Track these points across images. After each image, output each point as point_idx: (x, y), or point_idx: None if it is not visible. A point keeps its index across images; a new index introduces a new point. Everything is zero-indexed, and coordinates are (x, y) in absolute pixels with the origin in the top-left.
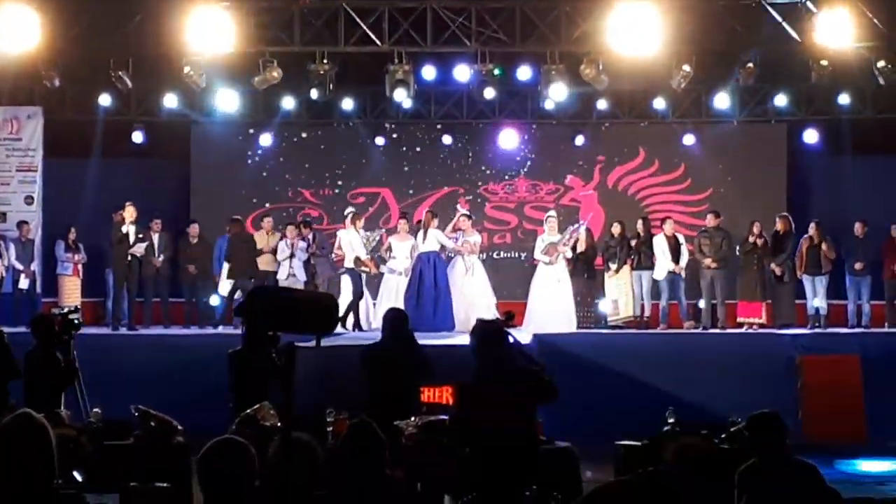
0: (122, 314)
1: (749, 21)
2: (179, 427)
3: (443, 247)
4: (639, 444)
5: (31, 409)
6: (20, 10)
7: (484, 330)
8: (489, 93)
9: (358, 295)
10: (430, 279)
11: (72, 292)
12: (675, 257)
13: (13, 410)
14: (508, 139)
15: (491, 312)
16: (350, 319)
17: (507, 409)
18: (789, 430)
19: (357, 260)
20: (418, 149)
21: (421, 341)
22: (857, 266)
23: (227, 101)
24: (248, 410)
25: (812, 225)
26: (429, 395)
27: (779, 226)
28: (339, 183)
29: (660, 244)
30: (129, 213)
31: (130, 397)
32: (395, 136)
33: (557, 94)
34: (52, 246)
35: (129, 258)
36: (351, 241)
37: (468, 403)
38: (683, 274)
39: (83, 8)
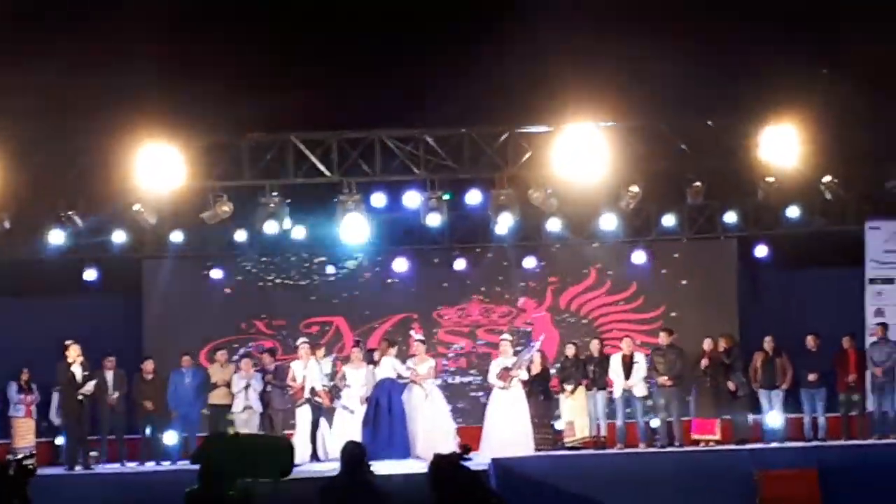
0: (77, 454)
1: (694, 140)
2: None
3: (399, 374)
4: None
5: None
6: None
7: (440, 466)
8: (433, 219)
9: (314, 424)
10: (385, 406)
11: (25, 433)
12: (628, 375)
13: None
14: (460, 264)
15: (451, 438)
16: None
17: None
18: None
19: (312, 390)
20: (369, 275)
21: (377, 470)
22: (811, 378)
23: (177, 237)
24: None
25: (768, 339)
26: None
27: (723, 344)
28: (292, 313)
29: (615, 363)
30: (74, 352)
31: None
32: (346, 263)
33: (506, 221)
34: (4, 387)
35: (81, 398)
36: (308, 371)
37: None
38: (638, 392)
39: (32, 148)
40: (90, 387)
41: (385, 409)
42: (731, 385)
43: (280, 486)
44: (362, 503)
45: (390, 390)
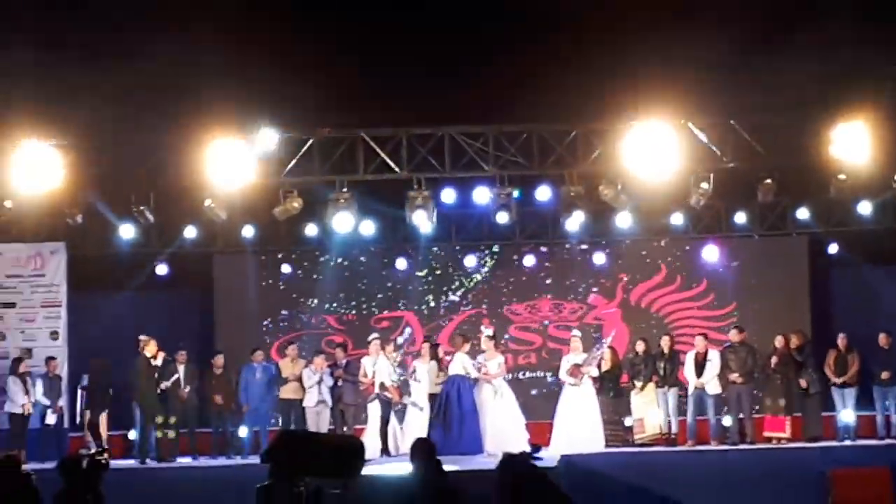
0: (150, 447)
1: (765, 137)
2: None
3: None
4: None
5: None
6: (42, 149)
7: (509, 464)
8: (502, 217)
9: (385, 420)
10: (455, 401)
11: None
12: (701, 373)
13: None
14: (530, 260)
15: (521, 436)
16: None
17: None
18: None
19: (382, 385)
20: (440, 272)
21: (448, 466)
22: (884, 376)
23: (248, 232)
24: None
25: (841, 336)
26: None
27: (796, 340)
28: (363, 308)
29: (689, 360)
30: (153, 346)
31: None
32: (417, 259)
33: (576, 217)
34: (79, 381)
35: (159, 392)
36: (378, 367)
37: None
38: (711, 389)
39: (104, 145)
40: (169, 383)
41: (455, 405)
42: (802, 382)
43: (350, 484)
44: (433, 501)
45: (460, 386)
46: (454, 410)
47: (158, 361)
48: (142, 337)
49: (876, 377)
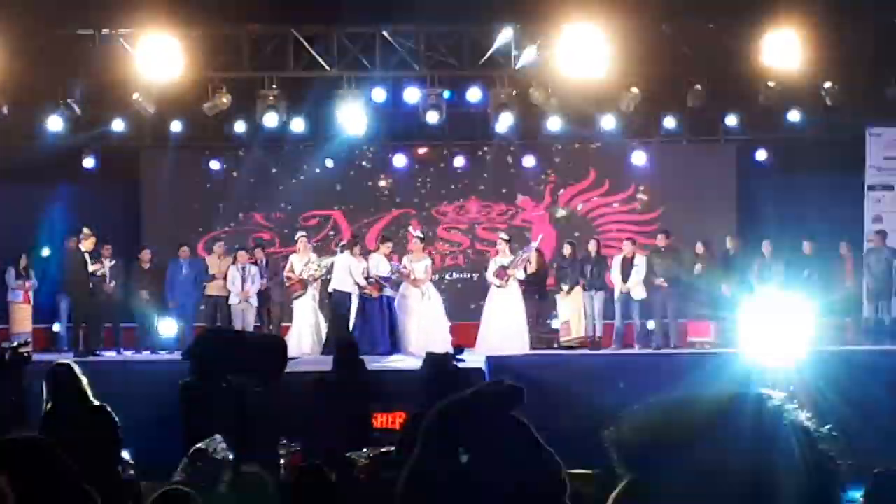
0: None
1: (696, 43)
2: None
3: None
4: (590, 472)
5: None
6: None
7: (433, 364)
8: (432, 117)
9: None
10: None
11: (23, 319)
12: (628, 277)
13: None
14: (459, 161)
15: (446, 337)
16: None
17: None
18: None
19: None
20: (369, 171)
21: (371, 366)
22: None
23: (176, 127)
24: (200, 444)
25: (765, 243)
26: (381, 421)
27: (730, 245)
28: (290, 206)
29: (616, 265)
30: (89, 243)
31: None
32: (346, 158)
33: (507, 119)
34: (2, 273)
35: (91, 284)
36: (350, 267)
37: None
38: (636, 294)
39: (32, 35)
40: (103, 270)
41: (377, 305)
42: (724, 288)
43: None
44: (354, 397)
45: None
46: (375, 312)
47: (86, 256)
48: (85, 230)
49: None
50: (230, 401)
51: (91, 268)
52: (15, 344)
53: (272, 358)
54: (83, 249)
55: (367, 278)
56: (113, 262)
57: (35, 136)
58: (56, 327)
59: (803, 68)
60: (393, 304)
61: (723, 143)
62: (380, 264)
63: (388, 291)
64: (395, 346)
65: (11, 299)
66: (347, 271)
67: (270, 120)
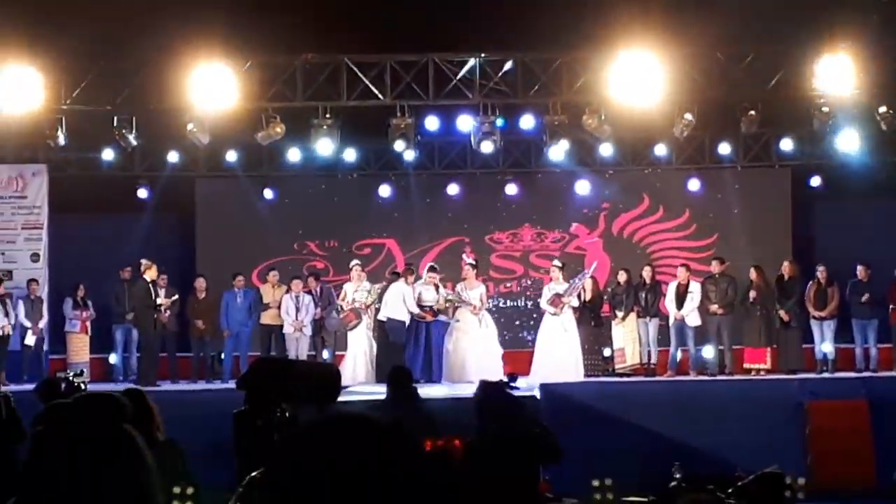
0: (132, 370)
1: (750, 68)
2: None
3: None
4: (646, 500)
5: None
6: (23, 70)
7: (486, 392)
8: (486, 146)
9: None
10: (423, 334)
11: (80, 349)
12: (682, 304)
13: None
14: (512, 189)
15: (499, 365)
16: None
17: (509, 471)
18: (794, 488)
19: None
20: (422, 199)
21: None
22: (863, 299)
23: (230, 157)
24: (255, 473)
25: (820, 268)
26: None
27: (786, 271)
28: (344, 234)
29: (670, 291)
30: (153, 272)
31: None
32: (399, 186)
33: (560, 147)
34: (60, 303)
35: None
36: (404, 295)
37: (472, 462)
38: (691, 321)
39: (86, 67)
40: (168, 303)
41: (423, 336)
42: (783, 314)
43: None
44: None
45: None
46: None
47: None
48: (143, 261)
49: (855, 310)
50: (284, 430)
51: (160, 301)
52: (71, 374)
53: (326, 386)
54: (147, 279)
55: (420, 306)
56: (175, 297)
57: (91, 168)
58: (112, 358)
59: (857, 92)
60: (433, 333)
61: (777, 168)
62: (424, 293)
63: (442, 317)
64: (432, 376)
65: (69, 329)
66: (401, 299)
67: (324, 148)
